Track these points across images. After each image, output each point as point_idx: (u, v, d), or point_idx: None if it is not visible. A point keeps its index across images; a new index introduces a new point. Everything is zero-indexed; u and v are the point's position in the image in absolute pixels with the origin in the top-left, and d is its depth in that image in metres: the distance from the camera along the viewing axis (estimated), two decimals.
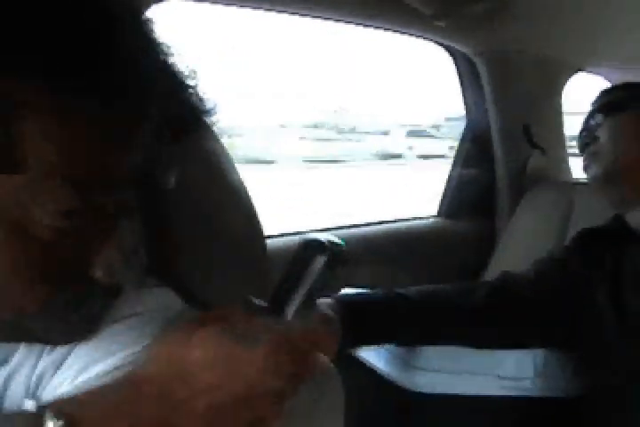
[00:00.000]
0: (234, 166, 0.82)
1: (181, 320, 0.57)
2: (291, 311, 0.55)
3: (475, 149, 2.18)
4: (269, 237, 1.86)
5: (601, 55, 2.25)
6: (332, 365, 0.68)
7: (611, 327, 1.27)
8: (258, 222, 0.83)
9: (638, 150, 1.33)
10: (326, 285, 0.56)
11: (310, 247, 0.56)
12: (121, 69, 0.50)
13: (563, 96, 2.30)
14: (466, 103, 2.17)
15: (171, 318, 0.59)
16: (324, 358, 0.67)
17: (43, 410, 0.49)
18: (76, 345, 0.60)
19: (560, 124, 2.28)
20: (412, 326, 1.31)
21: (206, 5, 1.49)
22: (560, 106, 2.28)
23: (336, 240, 0.57)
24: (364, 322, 1.26)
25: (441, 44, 2.03)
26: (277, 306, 0.56)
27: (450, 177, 2.21)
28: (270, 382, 0.51)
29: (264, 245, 0.85)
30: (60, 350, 0.60)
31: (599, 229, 1.45)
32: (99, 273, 0.54)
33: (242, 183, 0.82)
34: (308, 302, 0.56)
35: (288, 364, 0.52)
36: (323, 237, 0.57)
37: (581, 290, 1.34)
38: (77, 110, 0.48)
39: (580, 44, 2.11)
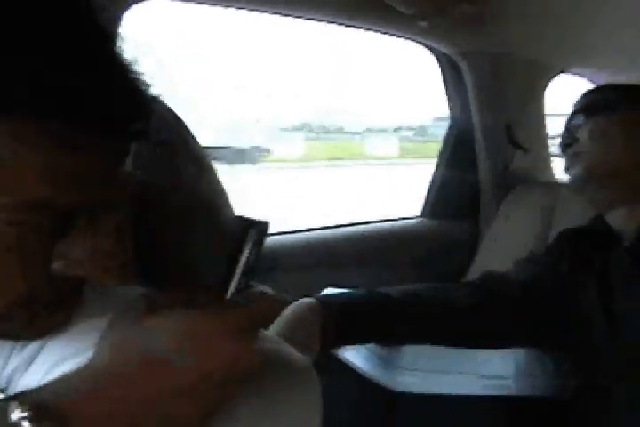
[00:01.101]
0: (215, 167, 0.82)
1: (134, 308, 0.57)
2: (231, 291, 0.56)
3: (458, 150, 2.19)
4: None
5: (583, 57, 2.27)
6: (310, 364, 0.68)
7: (601, 331, 1.27)
8: None
9: (618, 152, 1.34)
10: (258, 262, 0.57)
11: (241, 226, 0.57)
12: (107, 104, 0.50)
13: (546, 97, 2.32)
14: (450, 104, 2.19)
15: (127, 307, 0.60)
16: (301, 358, 0.68)
17: (9, 400, 0.49)
18: (46, 343, 0.60)
19: (543, 125, 2.30)
20: (394, 325, 1.32)
21: (191, 6, 1.49)
22: (542, 107, 2.30)
23: (259, 218, 0.57)
24: (347, 322, 1.26)
25: (425, 46, 2.04)
26: (218, 287, 0.56)
27: (434, 177, 2.23)
28: (238, 357, 0.53)
29: None
30: (31, 348, 0.60)
31: (580, 229, 1.46)
32: (56, 266, 0.54)
33: (223, 184, 0.83)
34: (245, 280, 0.57)
35: (248, 338, 0.54)
36: (246, 215, 0.58)
37: (570, 291, 1.35)
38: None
39: (562, 47, 2.12)
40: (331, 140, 11.58)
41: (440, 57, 2.10)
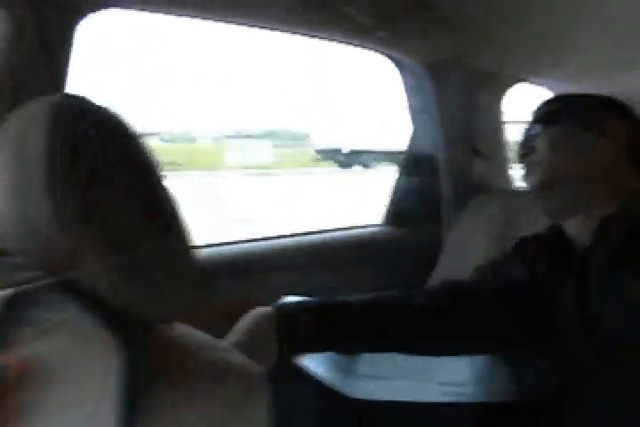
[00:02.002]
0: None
1: None
2: None
3: (420, 158, 2.21)
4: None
5: (542, 68, 2.30)
6: (260, 372, 0.68)
7: (576, 330, 1.28)
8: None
9: (573, 162, 1.35)
10: None
11: None
12: None
13: (507, 105, 2.35)
14: (411, 112, 2.20)
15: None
16: (251, 367, 0.68)
17: None
18: None
19: (502, 134, 2.32)
20: (354, 333, 1.32)
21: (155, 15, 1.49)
22: (501, 115, 2.32)
23: None
24: (305, 330, 1.26)
25: (386, 55, 2.06)
26: None
27: (396, 185, 2.24)
28: None
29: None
30: None
31: (537, 236, 1.47)
32: None
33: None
34: None
35: None
36: None
37: (547, 291, 1.35)
38: None
39: (520, 57, 2.15)
40: (299, 148, 11.59)
41: (401, 66, 2.11)
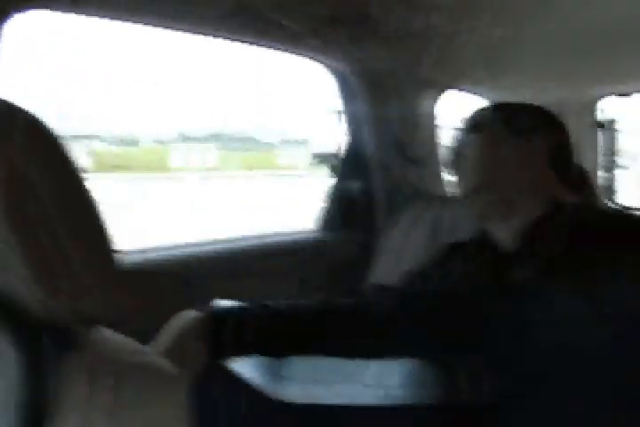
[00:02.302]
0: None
1: None
2: None
3: (354, 163, 2.23)
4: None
5: (471, 76, 2.34)
6: (179, 376, 0.68)
7: (509, 335, 1.29)
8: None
9: (500, 168, 1.39)
10: None
11: None
12: None
13: (440, 111, 2.38)
14: (346, 118, 2.22)
15: None
16: (170, 370, 0.68)
17: None
18: None
19: (435, 140, 2.36)
20: (282, 337, 1.32)
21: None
22: (434, 121, 2.36)
23: None
24: (240, 334, 1.26)
25: (320, 62, 2.07)
26: None
27: (331, 190, 2.26)
28: None
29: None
30: None
31: (465, 241, 1.50)
32: None
33: None
34: None
35: None
36: None
37: (488, 299, 1.36)
38: None
39: (449, 65, 2.18)
40: (243, 151, 11.59)
41: (335, 73, 2.14)
